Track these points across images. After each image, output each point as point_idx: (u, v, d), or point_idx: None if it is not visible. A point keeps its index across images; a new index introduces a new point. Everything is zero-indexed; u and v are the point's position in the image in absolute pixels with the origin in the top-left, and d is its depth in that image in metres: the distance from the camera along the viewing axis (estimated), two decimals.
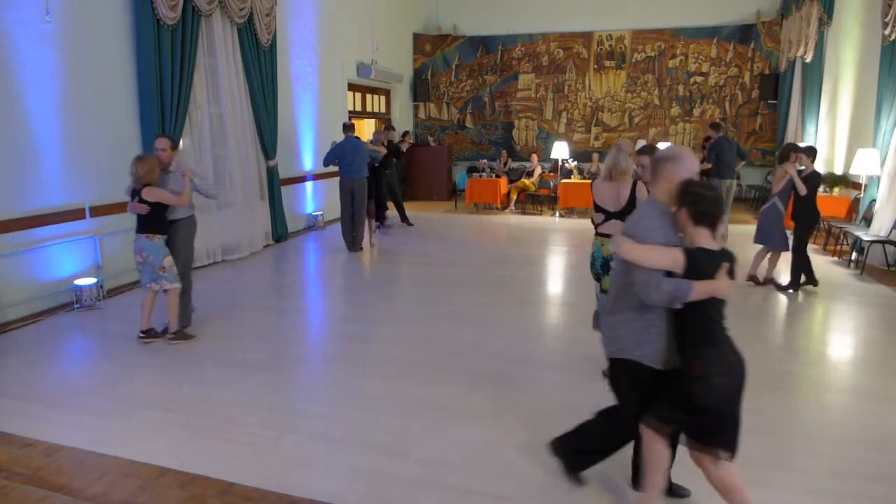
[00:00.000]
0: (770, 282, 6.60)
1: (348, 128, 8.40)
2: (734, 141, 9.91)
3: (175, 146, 4.97)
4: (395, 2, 13.61)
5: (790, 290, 6.44)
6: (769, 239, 6.51)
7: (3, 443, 3.41)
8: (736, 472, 2.52)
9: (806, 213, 6.37)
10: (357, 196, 8.33)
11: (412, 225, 10.64)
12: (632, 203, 3.92)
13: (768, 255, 6.61)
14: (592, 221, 4.22)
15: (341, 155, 8.24)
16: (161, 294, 4.87)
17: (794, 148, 6.45)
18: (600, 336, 2.80)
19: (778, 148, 12.27)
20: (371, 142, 9.80)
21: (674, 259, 2.40)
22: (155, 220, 4.72)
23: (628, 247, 2.47)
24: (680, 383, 2.49)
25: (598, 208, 4.11)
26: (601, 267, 4.12)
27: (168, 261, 4.74)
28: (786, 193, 6.40)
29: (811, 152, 6.50)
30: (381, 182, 10.09)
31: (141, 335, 4.87)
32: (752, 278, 6.64)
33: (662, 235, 2.47)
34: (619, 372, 2.72)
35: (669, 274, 2.41)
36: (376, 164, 9.60)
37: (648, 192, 4.06)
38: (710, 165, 9.04)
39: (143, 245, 4.72)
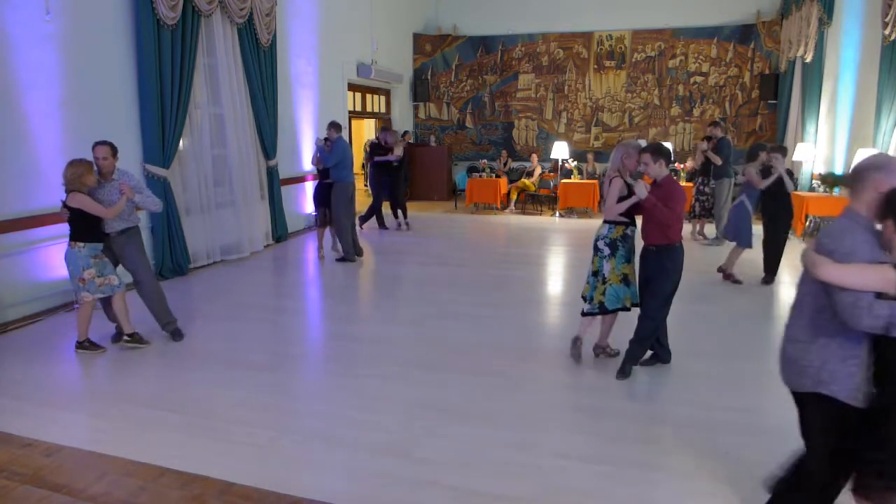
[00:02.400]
0: (729, 276, 6.84)
1: (341, 127, 7.94)
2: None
3: (116, 152, 4.65)
4: (395, 2, 13.61)
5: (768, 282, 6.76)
6: (740, 236, 6.72)
7: (3, 443, 3.41)
8: None
9: (784, 211, 6.65)
10: (353, 199, 7.97)
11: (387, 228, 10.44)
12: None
13: (731, 250, 6.90)
14: None
15: (344, 157, 7.72)
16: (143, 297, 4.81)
17: (761, 147, 6.83)
18: (784, 366, 2.51)
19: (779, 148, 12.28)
20: (386, 141, 9.89)
21: (885, 278, 2.07)
22: (79, 229, 4.49)
23: (829, 267, 2.13)
24: (886, 426, 2.17)
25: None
26: (593, 247, 4.44)
27: (89, 273, 4.49)
28: (756, 192, 6.68)
29: (784, 151, 6.77)
30: (401, 182, 10.28)
31: (78, 345, 4.73)
32: (726, 274, 6.89)
33: (868, 251, 2.16)
34: (811, 409, 2.39)
35: (879, 296, 2.09)
36: (395, 164, 9.82)
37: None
38: (720, 163, 9.06)
39: (65, 254, 4.55)
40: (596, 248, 4.40)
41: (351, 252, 7.92)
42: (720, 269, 6.93)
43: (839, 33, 9.89)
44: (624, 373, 4.24)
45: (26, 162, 5.45)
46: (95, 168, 4.57)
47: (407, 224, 10.25)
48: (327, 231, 8.16)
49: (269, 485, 2.99)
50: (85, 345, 4.71)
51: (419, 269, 7.84)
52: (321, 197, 7.89)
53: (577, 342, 4.55)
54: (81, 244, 4.51)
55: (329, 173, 7.71)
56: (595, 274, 4.41)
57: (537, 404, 3.90)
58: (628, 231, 4.34)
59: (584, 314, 4.48)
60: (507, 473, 3.11)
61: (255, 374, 4.37)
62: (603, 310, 4.34)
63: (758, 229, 6.90)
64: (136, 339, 4.84)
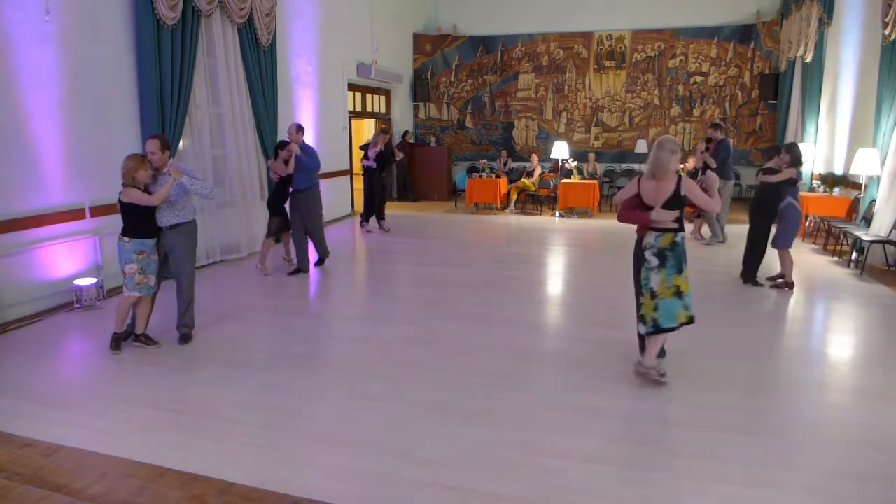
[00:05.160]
0: (789, 284, 6.57)
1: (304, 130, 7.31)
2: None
3: (166, 147, 4.69)
4: (395, 2, 13.61)
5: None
6: (791, 238, 6.46)
7: (3, 443, 3.41)
8: None
9: (775, 211, 6.49)
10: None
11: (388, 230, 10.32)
12: (675, 198, 3.95)
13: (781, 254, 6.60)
14: None
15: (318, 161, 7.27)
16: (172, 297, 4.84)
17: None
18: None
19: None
20: (371, 143, 10.02)
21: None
22: (128, 223, 4.57)
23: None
24: None
25: (645, 206, 4.07)
26: (636, 259, 4.13)
27: (130, 268, 4.56)
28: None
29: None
30: (384, 183, 10.25)
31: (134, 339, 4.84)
32: (787, 283, 6.57)
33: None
34: None
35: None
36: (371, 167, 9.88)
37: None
38: (715, 165, 8.99)
39: (117, 247, 4.64)
40: (640, 259, 4.07)
41: (307, 264, 7.32)
42: (786, 284, 6.52)
43: (839, 33, 9.89)
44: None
45: (26, 162, 5.45)
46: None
47: (365, 226, 10.28)
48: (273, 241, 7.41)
49: (269, 485, 2.99)
50: (116, 341, 4.76)
51: (419, 269, 7.84)
52: (282, 205, 7.19)
53: (640, 365, 4.17)
54: (127, 238, 4.57)
55: (295, 180, 7.03)
56: (642, 288, 4.08)
57: (537, 404, 3.90)
58: (677, 238, 3.98)
59: (643, 335, 4.14)
60: (507, 473, 3.10)
61: (255, 374, 4.37)
62: (658, 328, 3.99)
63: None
64: (141, 340, 4.84)
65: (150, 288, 4.72)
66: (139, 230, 4.59)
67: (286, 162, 6.95)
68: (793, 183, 6.37)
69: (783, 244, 6.44)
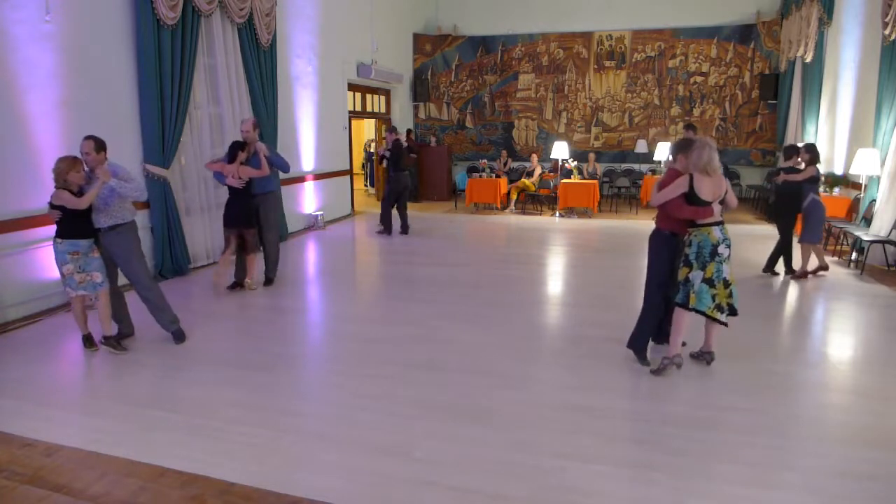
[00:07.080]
0: (812, 272, 6.99)
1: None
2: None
3: (102, 147, 4.53)
4: (395, 2, 13.61)
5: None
6: (818, 233, 6.84)
7: (3, 443, 3.41)
8: None
9: (798, 208, 6.85)
10: None
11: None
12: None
13: (809, 248, 6.93)
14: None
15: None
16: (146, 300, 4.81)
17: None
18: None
19: (779, 148, 12.29)
20: (396, 141, 9.90)
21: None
22: (60, 224, 4.46)
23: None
24: None
25: (700, 201, 4.16)
26: (710, 255, 4.16)
27: (67, 269, 4.47)
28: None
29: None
30: (409, 184, 10.16)
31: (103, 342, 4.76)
32: (805, 274, 6.96)
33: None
34: None
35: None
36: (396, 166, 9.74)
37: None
38: None
39: (53, 249, 4.53)
40: (715, 255, 4.16)
41: (275, 270, 6.84)
42: (804, 274, 6.90)
43: (839, 33, 9.89)
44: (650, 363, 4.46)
45: (26, 162, 5.45)
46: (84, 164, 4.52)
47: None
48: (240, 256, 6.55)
49: (269, 485, 2.99)
50: (86, 341, 4.75)
51: (419, 269, 7.84)
52: (249, 215, 6.30)
53: (705, 356, 4.53)
54: (60, 240, 4.47)
55: (256, 183, 6.30)
56: (710, 281, 4.18)
57: (537, 404, 3.90)
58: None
59: (724, 323, 4.30)
60: (507, 473, 3.10)
61: (255, 374, 4.37)
62: (733, 311, 4.29)
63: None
64: (111, 343, 4.71)
65: (97, 285, 4.59)
66: (71, 231, 4.47)
67: (245, 162, 6.17)
68: (814, 181, 6.74)
69: (811, 239, 6.81)
